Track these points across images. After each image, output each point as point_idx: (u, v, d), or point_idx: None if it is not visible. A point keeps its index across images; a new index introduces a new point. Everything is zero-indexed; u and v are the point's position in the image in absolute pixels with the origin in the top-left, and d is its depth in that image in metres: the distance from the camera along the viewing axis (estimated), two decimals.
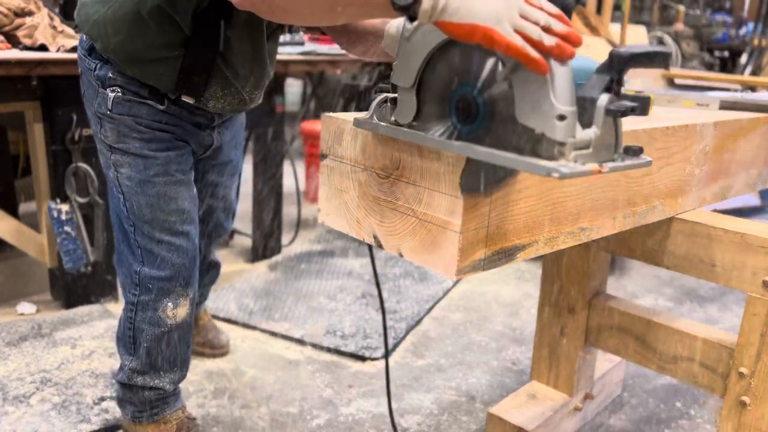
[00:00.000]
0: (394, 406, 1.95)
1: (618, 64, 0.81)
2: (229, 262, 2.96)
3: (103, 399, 1.87)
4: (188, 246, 1.52)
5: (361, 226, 1.04)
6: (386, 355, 1.51)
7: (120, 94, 1.40)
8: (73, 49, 2.10)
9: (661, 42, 6.09)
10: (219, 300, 2.57)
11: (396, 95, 0.94)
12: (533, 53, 0.74)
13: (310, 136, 3.87)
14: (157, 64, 1.37)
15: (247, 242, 3.17)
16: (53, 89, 2.18)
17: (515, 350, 2.34)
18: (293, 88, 7.43)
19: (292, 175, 3.26)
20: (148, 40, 1.34)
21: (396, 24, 1.31)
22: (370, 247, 1.15)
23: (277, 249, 3.11)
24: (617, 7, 4.63)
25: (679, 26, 6.88)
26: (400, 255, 0.98)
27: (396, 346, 2.31)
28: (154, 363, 1.56)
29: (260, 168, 2.92)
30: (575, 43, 0.77)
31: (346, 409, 1.93)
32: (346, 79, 5.46)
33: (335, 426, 1.85)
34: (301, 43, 2.97)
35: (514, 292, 2.85)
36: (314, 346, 2.28)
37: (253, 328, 2.39)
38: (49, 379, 1.94)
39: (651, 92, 1.68)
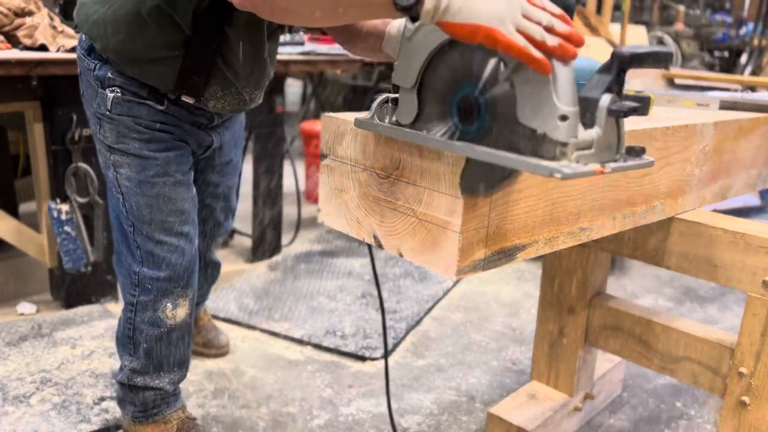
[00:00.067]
0: (394, 406, 1.95)
1: (620, 65, 0.81)
2: (229, 262, 2.96)
3: (103, 399, 1.87)
4: (187, 246, 1.52)
5: (361, 226, 1.04)
6: (386, 355, 1.51)
7: (119, 94, 1.40)
8: (73, 49, 2.10)
9: (661, 42, 6.09)
10: (219, 300, 2.57)
11: (397, 95, 0.94)
12: (536, 53, 0.74)
13: (310, 136, 3.87)
14: (157, 64, 1.37)
15: (247, 242, 3.16)
16: (53, 89, 2.18)
17: (515, 350, 2.34)
18: (293, 88, 7.43)
19: (292, 175, 3.26)
20: (148, 40, 1.34)
21: (397, 24, 1.31)
22: (369, 246, 1.15)
23: (277, 249, 3.11)
24: (617, 7, 4.63)
25: (679, 26, 6.88)
26: (400, 255, 0.98)
27: (396, 346, 2.31)
28: (154, 363, 1.56)
29: (260, 168, 2.92)
30: (577, 43, 0.77)
31: (346, 409, 1.93)
32: (346, 79, 5.46)
33: (335, 426, 1.85)
34: (301, 43, 2.97)
35: (514, 292, 2.85)
36: (314, 346, 2.28)
37: (253, 328, 2.39)
38: (49, 379, 1.94)
39: (651, 92, 1.68)
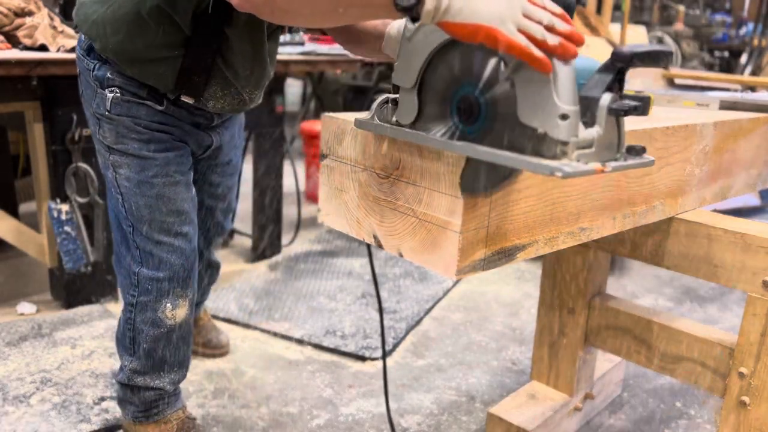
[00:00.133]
0: (394, 406, 1.95)
1: (620, 64, 0.81)
2: (229, 262, 2.96)
3: (103, 399, 1.87)
4: (187, 247, 1.52)
5: (361, 226, 1.04)
6: (383, 355, 1.51)
7: (119, 94, 1.40)
8: (74, 50, 2.10)
9: (661, 42, 6.10)
10: (219, 300, 2.57)
11: (397, 96, 0.94)
12: (537, 52, 0.74)
13: (310, 136, 3.87)
14: (156, 64, 1.37)
15: (247, 242, 3.16)
16: (53, 89, 2.18)
17: (515, 350, 2.34)
18: (293, 88, 7.43)
19: (292, 175, 3.26)
20: (147, 40, 1.34)
21: (397, 25, 1.31)
22: (368, 246, 1.15)
23: (277, 249, 3.11)
24: (617, 7, 4.63)
25: (679, 26, 6.88)
26: (400, 255, 0.98)
27: (396, 346, 2.31)
28: (154, 363, 1.56)
29: (260, 168, 2.92)
30: (578, 42, 0.77)
31: (346, 409, 1.93)
32: (346, 79, 5.46)
33: (335, 426, 1.85)
34: (301, 43, 2.97)
35: (514, 292, 2.85)
36: (314, 346, 2.28)
37: (253, 328, 2.39)
38: (49, 379, 1.94)
39: (651, 92, 1.68)
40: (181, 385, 1.72)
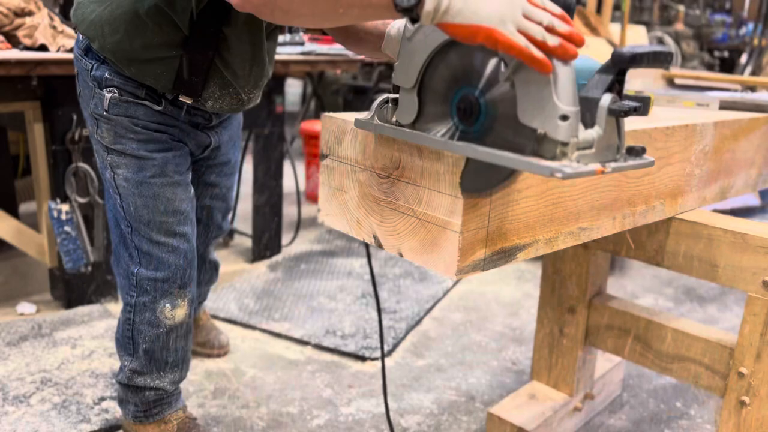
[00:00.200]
0: (394, 406, 1.95)
1: (620, 64, 0.81)
2: (229, 262, 2.96)
3: (103, 399, 1.87)
4: (185, 247, 1.52)
5: (361, 226, 1.04)
6: (382, 355, 1.51)
7: (117, 94, 1.40)
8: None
9: (661, 42, 6.10)
10: (219, 300, 2.57)
11: (397, 96, 0.94)
12: (537, 53, 0.74)
13: (310, 136, 3.87)
14: (155, 63, 1.37)
15: (247, 242, 3.16)
16: (53, 89, 2.18)
17: (515, 350, 2.34)
18: (293, 88, 7.44)
19: (292, 175, 3.26)
20: (145, 40, 1.34)
21: (397, 25, 1.31)
22: (367, 246, 1.15)
23: (277, 249, 3.11)
24: (617, 7, 4.64)
25: (679, 26, 6.88)
26: (400, 255, 0.98)
27: (396, 346, 2.31)
28: (153, 364, 1.56)
29: (260, 168, 2.92)
30: (578, 43, 0.77)
31: (346, 409, 1.93)
32: (346, 79, 5.46)
33: (335, 426, 1.85)
34: (301, 43, 2.96)
35: (514, 292, 2.85)
36: (314, 346, 2.28)
37: (253, 328, 2.39)
38: (49, 379, 1.94)
39: (651, 92, 1.68)
40: (181, 385, 1.72)
